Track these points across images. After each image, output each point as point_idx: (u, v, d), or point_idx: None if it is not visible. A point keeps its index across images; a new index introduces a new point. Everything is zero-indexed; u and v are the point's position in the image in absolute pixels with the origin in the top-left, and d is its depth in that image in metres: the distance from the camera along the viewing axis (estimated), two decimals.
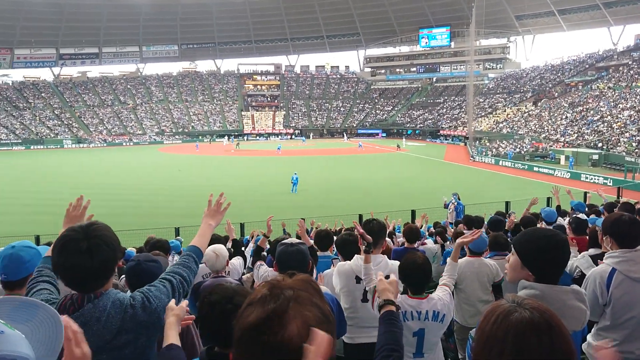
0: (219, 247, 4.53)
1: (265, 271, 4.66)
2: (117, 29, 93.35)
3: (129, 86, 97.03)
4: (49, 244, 5.05)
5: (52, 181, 35.11)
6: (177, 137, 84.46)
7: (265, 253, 5.96)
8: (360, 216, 15.81)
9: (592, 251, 4.53)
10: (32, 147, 72.49)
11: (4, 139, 74.71)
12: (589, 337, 3.26)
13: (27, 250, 2.62)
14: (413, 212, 15.90)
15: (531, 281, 2.32)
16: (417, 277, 3.45)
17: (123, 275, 4.76)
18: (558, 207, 10.45)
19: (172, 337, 2.24)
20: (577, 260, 4.28)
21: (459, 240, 3.70)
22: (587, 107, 54.60)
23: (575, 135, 48.47)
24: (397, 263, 3.74)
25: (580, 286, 3.79)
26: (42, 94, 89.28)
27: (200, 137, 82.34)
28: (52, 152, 66.38)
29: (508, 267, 2.48)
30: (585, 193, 18.61)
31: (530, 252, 2.35)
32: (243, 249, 10.65)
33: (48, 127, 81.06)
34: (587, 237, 5.08)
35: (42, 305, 1.42)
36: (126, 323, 2.12)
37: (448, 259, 3.78)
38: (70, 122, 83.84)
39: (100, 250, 2.03)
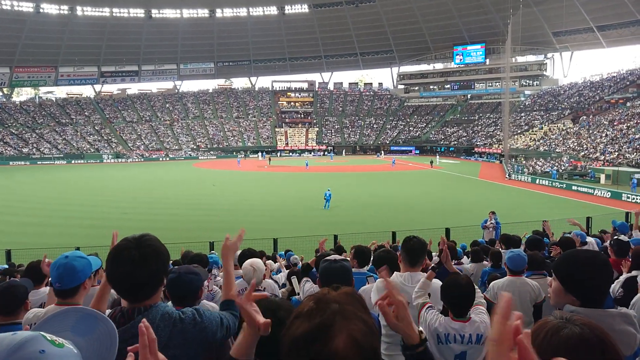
0: (256, 261, 4.58)
1: (310, 287, 4.72)
2: (156, 48, 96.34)
3: (166, 103, 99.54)
4: (95, 255, 5.22)
5: (93, 195, 36.09)
6: (211, 152, 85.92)
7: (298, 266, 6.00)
8: (394, 233, 15.74)
9: (635, 273, 4.40)
10: (73, 162, 74.88)
11: (47, 153, 77.58)
12: None
13: (79, 260, 2.74)
14: (447, 230, 15.72)
15: (577, 306, 2.25)
16: (461, 299, 3.42)
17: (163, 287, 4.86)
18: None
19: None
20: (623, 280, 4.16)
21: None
22: (628, 124, 53.09)
23: (616, 153, 47.13)
24: (437, 282, 3.73)
25: (622, 306, 3.70)
26: (84, 110, 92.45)
27: (234, 152, 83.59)
28: (92, 166, 68.42)
29: (551, 292, 2.41)
30: (627, 213, 18.12)
31: (573, 278, 2.27)
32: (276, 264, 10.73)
33: (88, 142, 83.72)
34: (629, 258, 4.94)
35: (102, 318, 1.47)
36: (174, 338, 2.15)
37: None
38: (110, 138, 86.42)
39: (151, 260, 2.10)
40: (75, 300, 2.75)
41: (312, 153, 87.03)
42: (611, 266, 2.43)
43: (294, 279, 5.96)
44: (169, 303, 3.56)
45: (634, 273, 4.32)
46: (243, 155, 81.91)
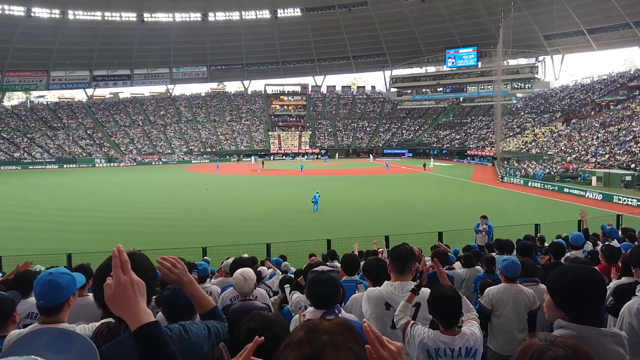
0: (247, 271, 4.52)
1: (297, 297, 4.69)
2: (148, 52, 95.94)
3: (159, 107, 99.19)
4: (80, 268, 5.15)
5: (85, 200, 35.85)
6: (204, 156, 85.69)
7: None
8: (387, 237, 15.73)
9: (624, 280, 4.38)
10: (65, 166, 74.41)
11: (39, 157, 77.03)
12: None
13: (63, 277, 2.67)
14: (440, 234, 15.72)
15: (567, 321, 2.20)
16: (447, 311, 3.39)
17: (154, 296, 4.81)
18: (586, 230, 10.18)
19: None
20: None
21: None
22: (619, 127, 53.46)
23: (607, 155, 47.42)
24: (427, 290, 3.70)
25: (612, 315, 3.69)
26: (76, 114, 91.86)
27: (227, 156, 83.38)
28: (84, 170, 67.97)
29: (545, 305, 2.37)
30: (619, 216, 18.21)
31: (564, 294, 2.21)
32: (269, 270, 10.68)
33: (80, 146, 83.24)
34: (620, 264, 4.93)
35: (77, 335, 1.48)
36: None
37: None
38: (102, 142, 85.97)
39: None
40: (59, 317, 2.67)
41: (305, 157, 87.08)
42: (605, 284, 2.37)
43: (287, 287, 5.94)
44: (159, 313, 3.53)
45: (623, 280, 4.31)
46: (237, 159, 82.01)
